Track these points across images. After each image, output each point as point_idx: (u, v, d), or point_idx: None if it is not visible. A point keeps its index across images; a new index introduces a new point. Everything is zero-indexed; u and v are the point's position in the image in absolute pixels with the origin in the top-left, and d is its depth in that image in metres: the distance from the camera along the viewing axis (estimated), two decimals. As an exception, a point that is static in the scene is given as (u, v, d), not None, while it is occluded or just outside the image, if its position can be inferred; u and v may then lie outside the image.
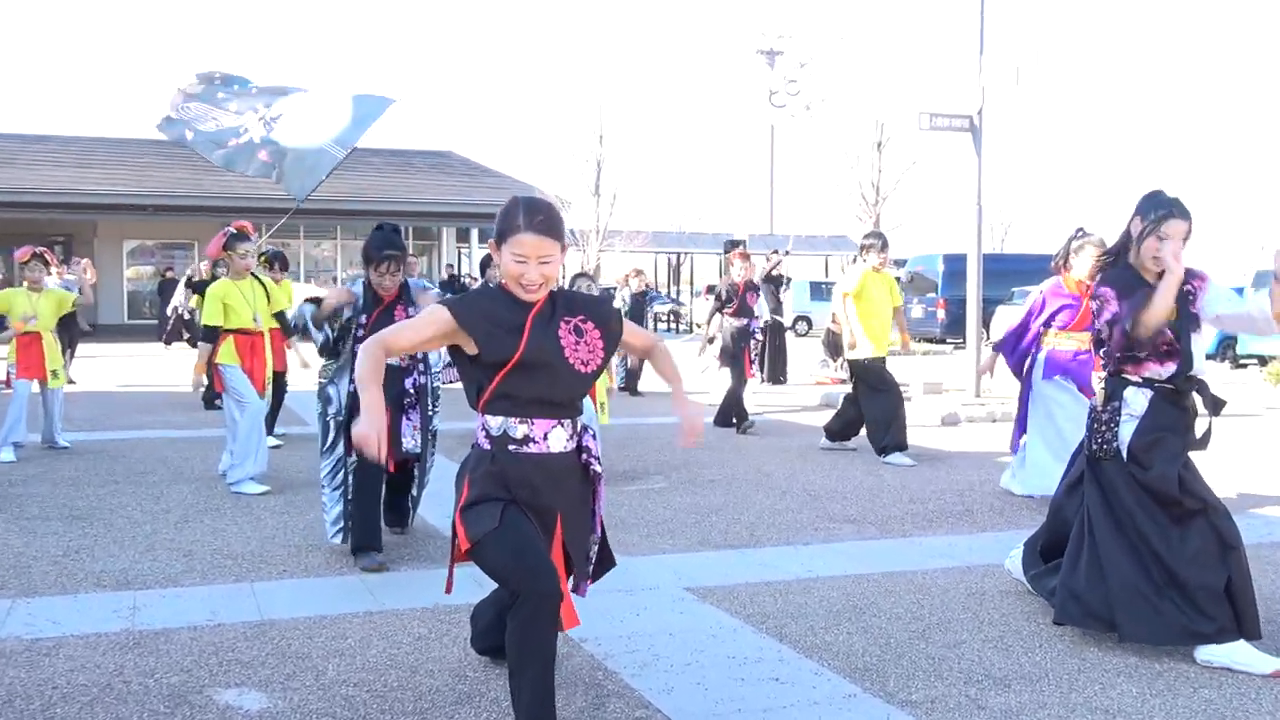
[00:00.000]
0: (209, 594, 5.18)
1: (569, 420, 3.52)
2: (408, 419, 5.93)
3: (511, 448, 3.45)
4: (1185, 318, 4.50)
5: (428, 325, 3.43)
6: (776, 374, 16.22)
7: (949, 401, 12.91)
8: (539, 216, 3.43)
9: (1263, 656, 4.32)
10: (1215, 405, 4.54)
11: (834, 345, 18.24)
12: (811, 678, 4.19)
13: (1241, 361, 23.33)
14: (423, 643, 4.52)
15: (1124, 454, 4.52)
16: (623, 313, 13.81)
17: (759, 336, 11.93)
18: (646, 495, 7.74)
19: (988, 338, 27.42)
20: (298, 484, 7.77)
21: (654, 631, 4.67)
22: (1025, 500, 7.66)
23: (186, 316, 24.20)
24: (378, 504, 5.77)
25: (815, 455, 9.70)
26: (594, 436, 3.65)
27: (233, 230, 8.15)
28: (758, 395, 13.75)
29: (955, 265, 27.57)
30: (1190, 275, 4.56)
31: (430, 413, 5.96)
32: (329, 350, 5.93)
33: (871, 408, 9.43)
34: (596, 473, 3.63)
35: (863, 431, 9.87)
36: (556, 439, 3.48)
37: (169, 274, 27.12)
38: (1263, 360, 20.67)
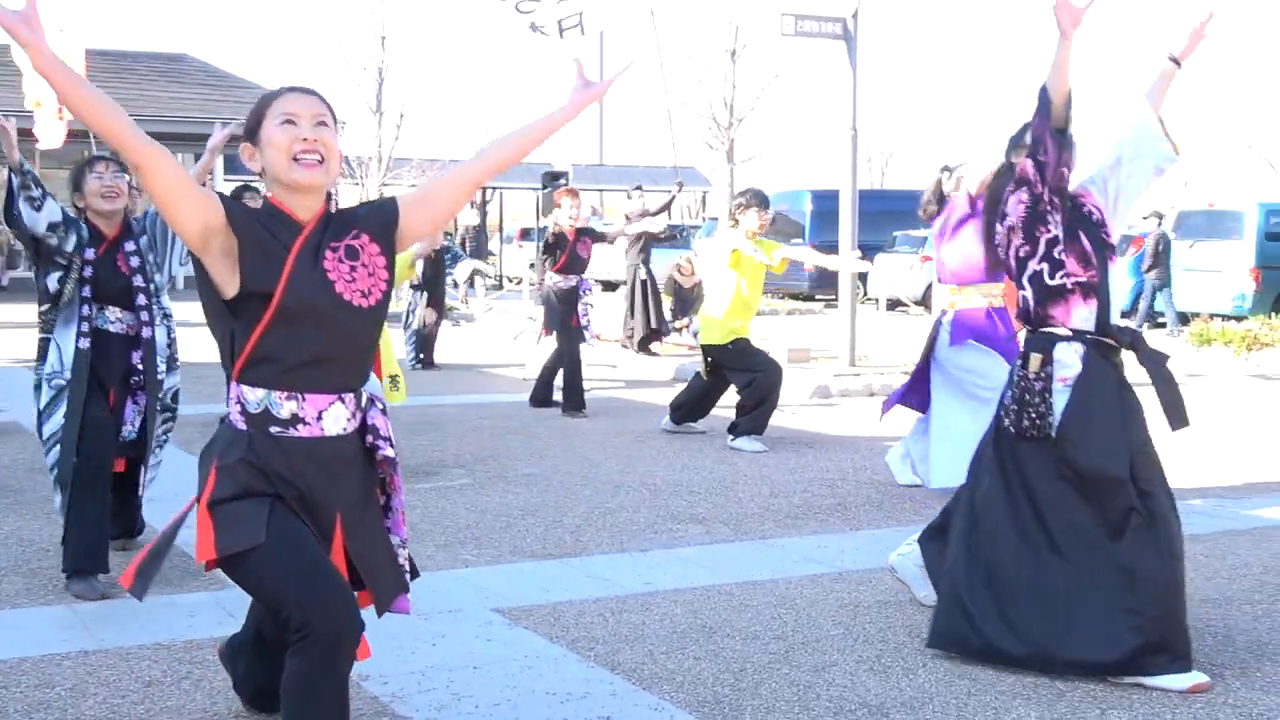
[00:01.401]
0: None
1: (350, 394, 3.47)
2: (134, 402, 5.81)
3: (274, 430, 3.38)
4: (1098, 244, 4.77)
5: (199, 195, 3.30)
6: (650, 340, 16.19)
7: (818, 373, 13.23)
8: (301, 85, 3.54)
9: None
10: (1157, 369, 4.73)
11: (681, 300, 18.47)
12: (651, 714, 4.28)
13: (1160, 320, 24.57)
14: (155, 689, 4.44)
15: (1053, 431, 4.70)
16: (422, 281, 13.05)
17: (589, 298, 11.97)
18: (444, 494, 7.74)
19: (864, 293, 28.17)
20: (-14, 489, 7.49)
21: (455, 665, 4.69)
22: (910, 491, 7.93)
23: None
24: (103, 515, 5.63)
25: (657, 441, 9.84)
26: (382, 411, 3.60)
27: None
28: (597, 367, 13.76)
29: (825, 204, 28.16)
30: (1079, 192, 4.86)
31: (160, 375, 5.82)
32: (47, 295, 5.70)
33: (745, 389, 9.59)
34: (387, 458, 3.59)
35: (714, 411, 10.06)
36: (333, 419, 3.42)
37: None
38: (1184, 319, 21.80)
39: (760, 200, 9.65)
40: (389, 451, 3.57)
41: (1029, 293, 4.80)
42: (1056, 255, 4.72)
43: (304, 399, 3.39)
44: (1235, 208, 23.09)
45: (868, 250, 28.44)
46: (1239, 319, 18.73)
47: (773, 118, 56.06)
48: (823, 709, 4.34)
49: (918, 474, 7.93)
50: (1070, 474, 4.67)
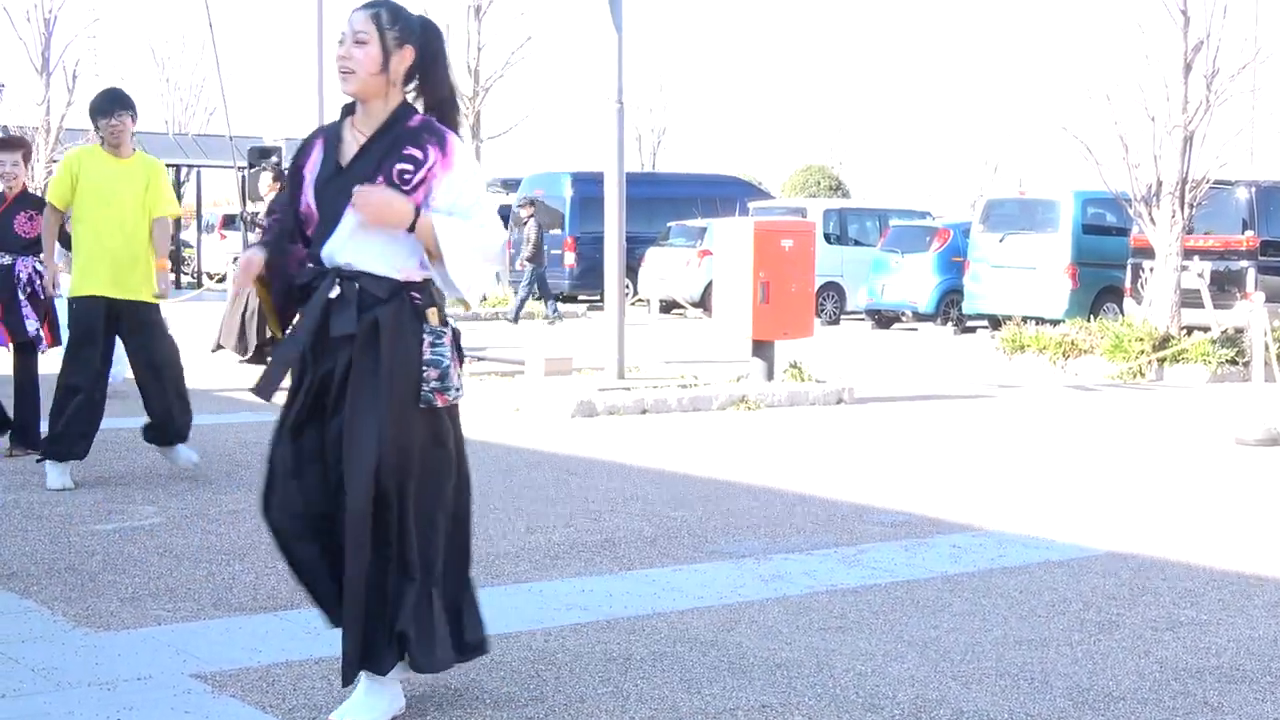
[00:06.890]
0: None
1: None
2: None
3: None
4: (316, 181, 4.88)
5: None
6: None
7: (582, 386, 13.30)
8: None
9: None
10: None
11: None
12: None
13: (969, 324, 25.52)
14: None
15: None
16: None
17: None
18: (130, 536, 7.55)
19: (634, 294, 28.50)
20: None
21: (145, 743, 4.58)
22: (688, 523, 8.02)
23: None
24: None
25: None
26: None
27: None
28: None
29: (588, 189, 28.41)
30: (426, 133, 4.90)
31: None
32: None
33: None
34: None
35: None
36: None
37: None
38: (995, 322, 22.66)
39: (115, 103, 8.97)
40: None
41: None
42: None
43: None
44: (1049, 196, 24.02)
45: (637, 244, 28.78)
46: (1054, 322, 19.57)
47: (526, 87, 56.12)
48: (589, 782, 4.36)
49: None
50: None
